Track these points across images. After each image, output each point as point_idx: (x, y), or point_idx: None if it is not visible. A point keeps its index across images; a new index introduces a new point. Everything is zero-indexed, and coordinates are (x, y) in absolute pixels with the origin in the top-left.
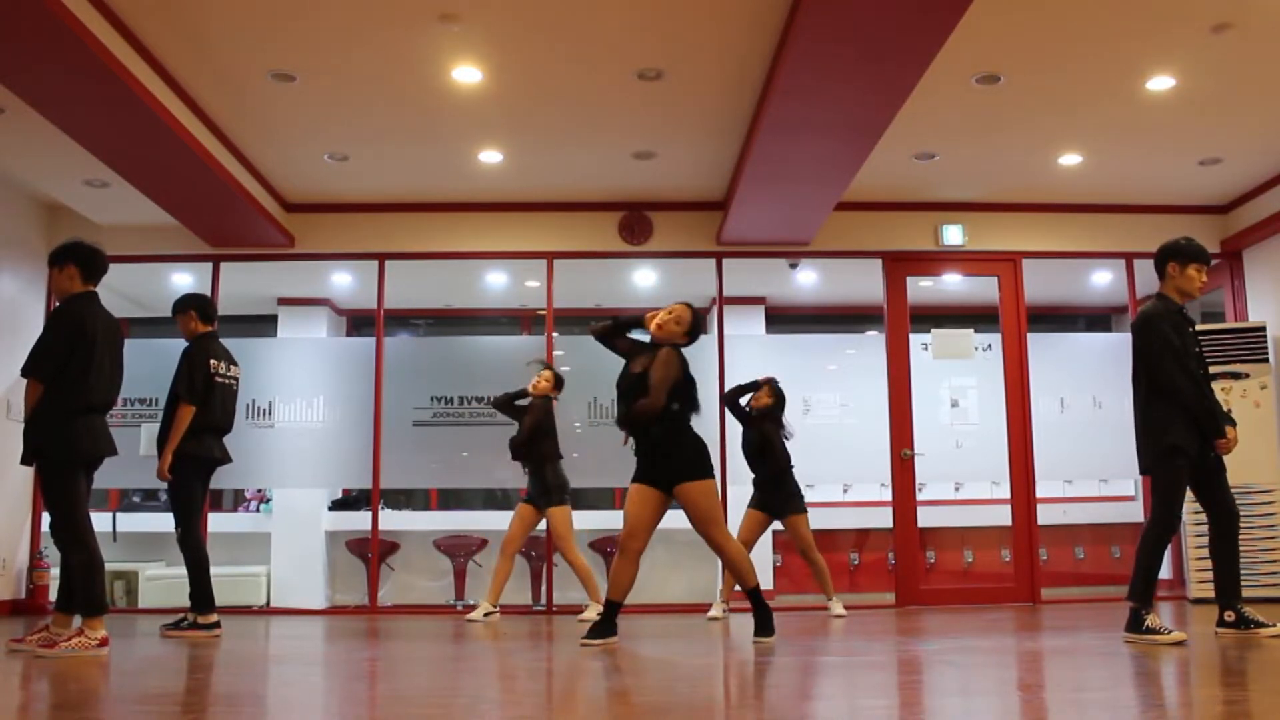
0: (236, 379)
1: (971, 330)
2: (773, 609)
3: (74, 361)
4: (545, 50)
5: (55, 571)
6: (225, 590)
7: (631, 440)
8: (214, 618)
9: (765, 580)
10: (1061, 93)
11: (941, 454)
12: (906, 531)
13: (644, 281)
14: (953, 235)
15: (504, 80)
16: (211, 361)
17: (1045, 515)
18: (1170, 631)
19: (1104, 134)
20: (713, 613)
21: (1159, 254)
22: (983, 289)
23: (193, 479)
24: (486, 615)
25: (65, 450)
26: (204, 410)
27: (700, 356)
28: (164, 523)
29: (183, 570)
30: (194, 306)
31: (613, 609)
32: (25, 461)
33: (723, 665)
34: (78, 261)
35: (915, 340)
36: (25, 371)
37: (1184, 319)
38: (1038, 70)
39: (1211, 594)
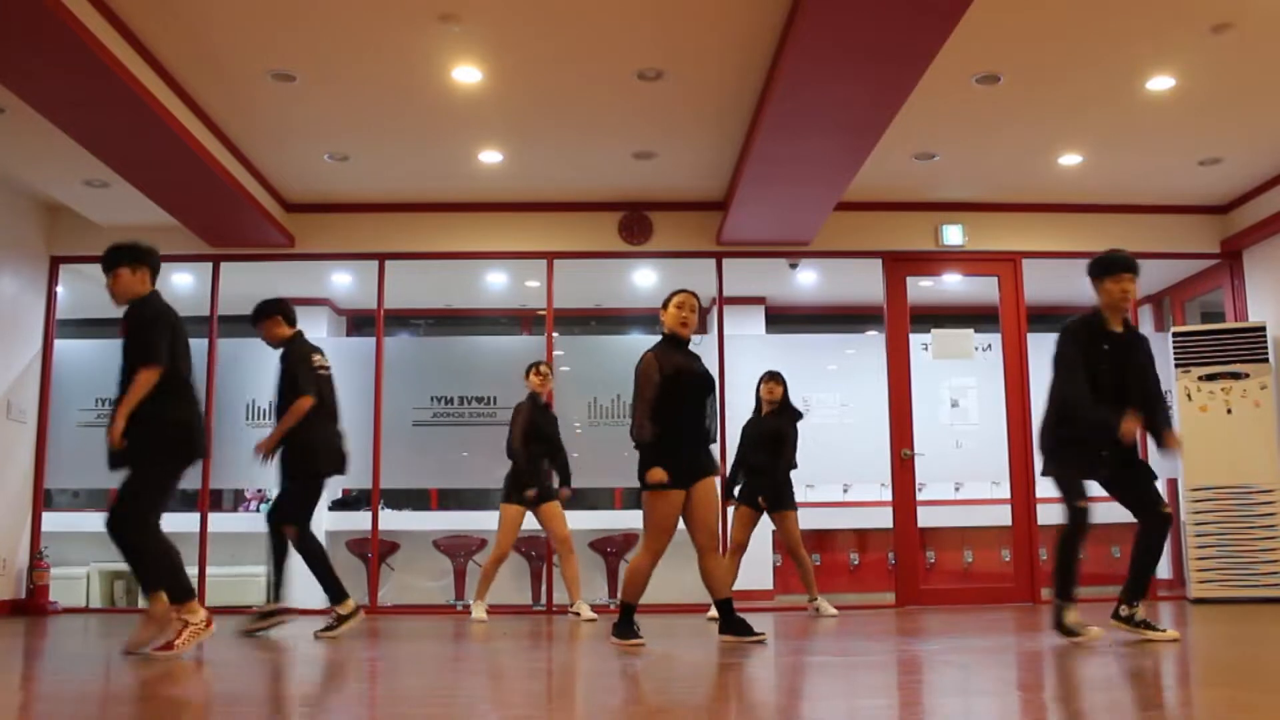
0: (330, 369)
1: (971, 330)
2: (772, 609)
3: (179, 356)
4: (545, 50)
5: (55, 571)
6: (225, 590)
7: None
8: (351, 604)
9: (765, 580)
10: (1061, 93)
11: (941, 454)
12: (906, 531)
13: (644, 281)
14: (953, 235)
15: (504, 80)
16: (315, 356)
17: (1045, 515)
18: (1087, 629)
19: (1104, 134)
20: (713, 612)
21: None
22: (983, 289)
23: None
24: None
25: (184, 453)
26: (319, 403)
27: (700, 356)
28: (164, 523)
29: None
30: (280, 312)
31: (632, 610)
32: (128, 460)
33: (723, 665)
34: (152, 265)
35: (915, 340)
36: (144, 361)
37: (1101, 330)
38: (1038, 70)
39: (1211, 594)
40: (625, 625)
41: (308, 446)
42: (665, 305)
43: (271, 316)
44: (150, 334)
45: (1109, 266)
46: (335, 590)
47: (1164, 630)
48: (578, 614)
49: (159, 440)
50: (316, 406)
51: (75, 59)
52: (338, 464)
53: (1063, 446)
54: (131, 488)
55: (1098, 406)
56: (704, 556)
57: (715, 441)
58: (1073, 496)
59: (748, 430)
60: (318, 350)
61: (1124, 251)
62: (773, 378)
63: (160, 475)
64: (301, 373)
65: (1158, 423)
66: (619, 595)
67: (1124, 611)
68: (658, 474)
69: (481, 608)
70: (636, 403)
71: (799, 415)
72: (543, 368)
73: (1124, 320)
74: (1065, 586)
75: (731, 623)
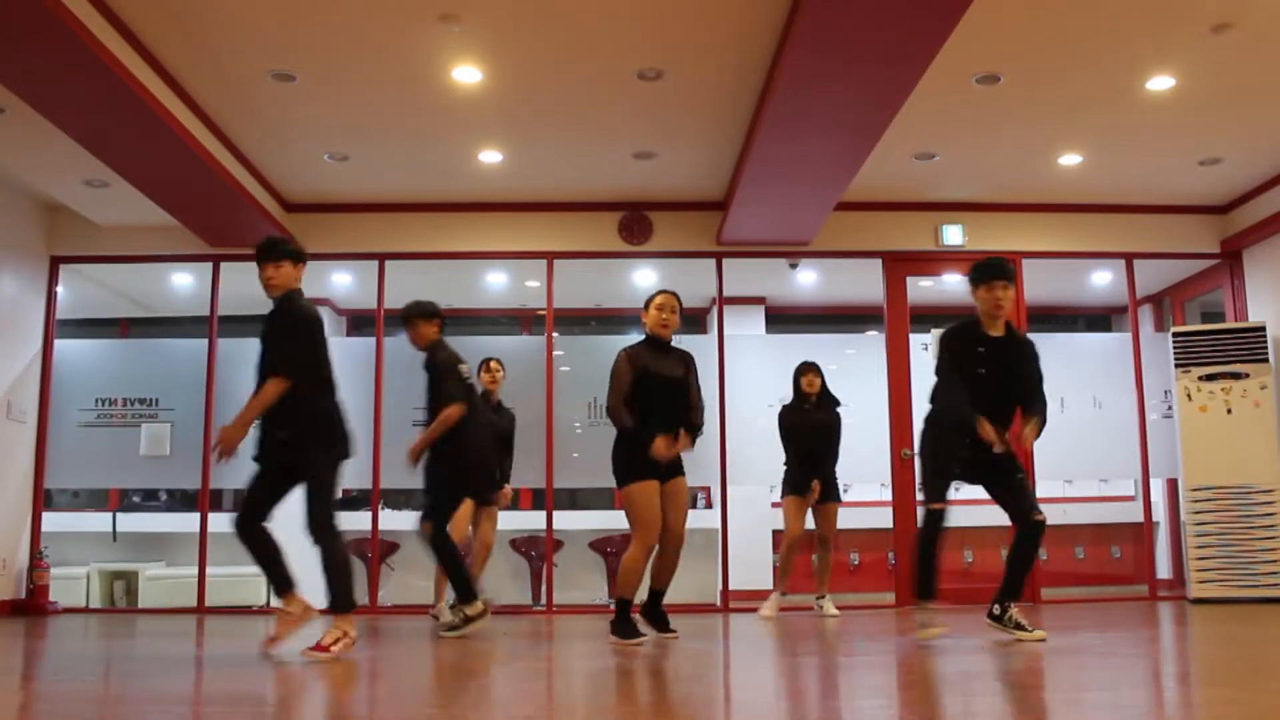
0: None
1: None
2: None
3: (322, 357)
4: (545, 50)
5: (55, 571)
6: (225, 590)
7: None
8: (479, 606)
9: (765, 580)
10: (1061, 93)
11: None
12: (906, 531)
13: (644, 281)
14: (953, 235)
15: (504, 80)
16: (461, 365)
17: (1045, 515)
18: (927, 628)
19: (1104, 134)
20: (763, 610)
21: None
22: None
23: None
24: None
25: (345, 446)
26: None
27: (700, 356)
28: (164, 523)
29: (182, 570)
30: (437, 315)
31: (629, 607)
32: (326, 465)
33: (723, 665)
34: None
35: (915, 340)
36: (279, 371)
37: (976, 335)
38: (1038, 70)
39: (1211, 594)
40: (624, 623)
41: (457, 454)
42: (646, 306)
43: (430, 319)
44: (294, 341)
45: (982, 274)
46: (464, 590)
47: (1034, 631)
48: (436, 617)
49: (322, 437)
50: (466, 414)
51: (75, 59)
52: (490, 476)
53: (932, 444)
54: (313, 491)
55: (963, 409)
56: (664, 551)
57: (700, 432)
58: (930, 497)
59: (794, 422)
60: (462, 359)
61: (1001, 259)
62: (811, 369)
63: (331, 474)
64: (449, 381)
65: (1030, 422)
66: (615, 592)
67: (996, 610)
68: (659, 446)
69: (445, 611)
70: (610, 400)
71: (838, 403)
72: (493, 364)
73: (1006, 324)
74: (921, 585)
75: (656, 613)
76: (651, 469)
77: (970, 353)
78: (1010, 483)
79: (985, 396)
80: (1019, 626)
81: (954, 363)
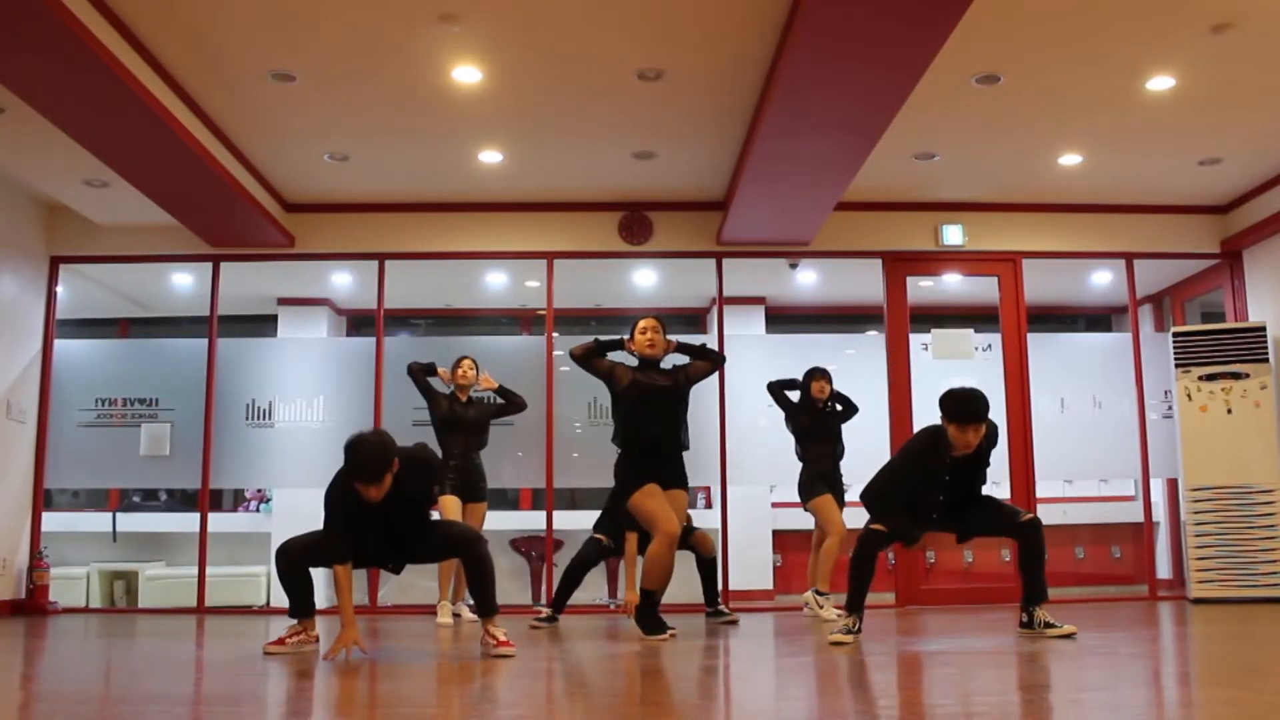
0: None
1: (971, 330)
2: (772, 609)
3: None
4: (545, 50)
5: (55, 571)
6: (225, 590)
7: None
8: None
9: (764, 580)
10: (1061, 93)
11: None
12: None
13: (644, 281)
14: (953, 235)
15: (504, 80)
16: None
17: (1045, 515)
18: (835, 633)
19: (1104, 134)
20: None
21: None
22: (983, 289)
23: None
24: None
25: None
26: None
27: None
28: (163, 523)
29: (182, 570)
30: None
31: (655, 599)
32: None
33: (723, 665)
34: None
35: (915, 340)
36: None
37: (943, 459)
38: (1038, 70)
39: (1211, 594)
40: (650, 616)
41: None
42: (631, 334)
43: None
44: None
45: (956, 415)
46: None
47: (1062, 626)
48: (459, 615)
49: None
50: None
51: (75, 59)
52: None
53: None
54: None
55: (903, 529)
56: (672, 557)
57: (687, 448)
58: (878, 519)
59: (810, 425)
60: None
61: (979, 398)
62: (822, 375)
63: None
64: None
65: None
66: (640, 584)
67: (1025, 619)
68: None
69: (447, 610)
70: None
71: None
72: (464, 363)
73: None
74: (851, 599)
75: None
76: (648, 475)
77: (940, 464)
78: (983, 512)
79: (945, 501)
80: (1048, 626)
81: (917, 471)
